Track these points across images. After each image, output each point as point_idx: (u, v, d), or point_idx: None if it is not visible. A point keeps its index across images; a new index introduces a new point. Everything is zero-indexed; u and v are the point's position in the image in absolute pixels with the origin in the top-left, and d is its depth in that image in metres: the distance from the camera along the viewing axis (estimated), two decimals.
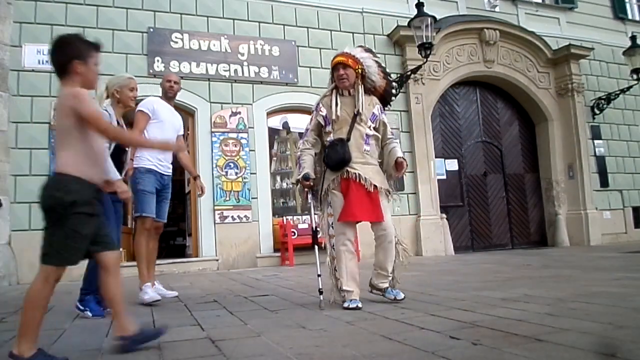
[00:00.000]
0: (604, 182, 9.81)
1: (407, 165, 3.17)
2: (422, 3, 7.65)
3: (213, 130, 7.25)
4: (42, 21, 6.55)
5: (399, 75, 8.27)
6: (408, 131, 8.39)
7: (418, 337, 2.06)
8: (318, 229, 3.15)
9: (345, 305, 2.87)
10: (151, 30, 7.12)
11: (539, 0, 10.35)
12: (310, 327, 2.38)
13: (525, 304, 2.78)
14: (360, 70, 3.08)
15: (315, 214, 3.20)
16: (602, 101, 9.83)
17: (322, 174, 3.13)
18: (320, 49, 8.09)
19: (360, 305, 2.85)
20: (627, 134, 10.32)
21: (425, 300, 3.12)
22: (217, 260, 6.93)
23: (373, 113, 3.11)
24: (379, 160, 3.19)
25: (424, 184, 8.25)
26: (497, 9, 9.65)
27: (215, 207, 7.07)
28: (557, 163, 9.59)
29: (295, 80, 7.82)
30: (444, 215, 8.29)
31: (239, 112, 7.43)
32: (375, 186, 2.98)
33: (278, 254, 7.20)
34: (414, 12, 7.69)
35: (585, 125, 9.66)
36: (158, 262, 7.21)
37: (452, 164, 8.96)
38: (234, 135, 7.34)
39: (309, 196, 3.14)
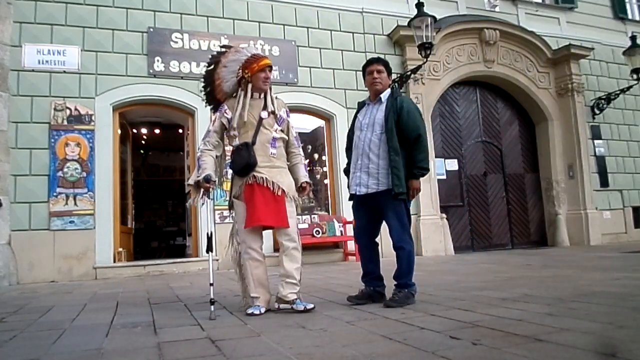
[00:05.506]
0: (604, 182, 9.80)
1: (311, 187, 3.21)
2: (422, 3, 7.64)
3: None
4: (42, 21, 6.54)
5: (399, 75, 8.27)
6: None
7: (418, 337, 2.06)
8: (212, 234, 3.12)
9: (249, 311, 2.86)
10: (151, 30, 7.12)
11: (539, 0, 10.33)
12: (310, 327, 2.38)
13: (525, 304, 2.78)
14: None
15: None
16: (602, 101, 9.82)
17: (231, 181, 3.07)
18: (320, 49, 8.08)
19: (263, 311, 2.86)
20: (627, 134, 10.31)
21: (425, 300, 3.12)
22: (217, 260, 6.92)
23: (280, 116, 3.11)
24: (288, 163, 3.15)
25: (423, 183, 8.04)
26: (497, 9, 9.64)
27: (215, 207, 7.07)
28: (557, 163, 9.58)
29: (295, 80, 7.82)
30: (444, 215, 8.29)
31: None
32: (282, 190, 2.93)
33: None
34: (414, 12, 7.68)
35: (585, 125, 9.64)
36: (158, 262, 7.28)
37: (452, 164, 8.95)
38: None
39: (205, 198, 3.01)
